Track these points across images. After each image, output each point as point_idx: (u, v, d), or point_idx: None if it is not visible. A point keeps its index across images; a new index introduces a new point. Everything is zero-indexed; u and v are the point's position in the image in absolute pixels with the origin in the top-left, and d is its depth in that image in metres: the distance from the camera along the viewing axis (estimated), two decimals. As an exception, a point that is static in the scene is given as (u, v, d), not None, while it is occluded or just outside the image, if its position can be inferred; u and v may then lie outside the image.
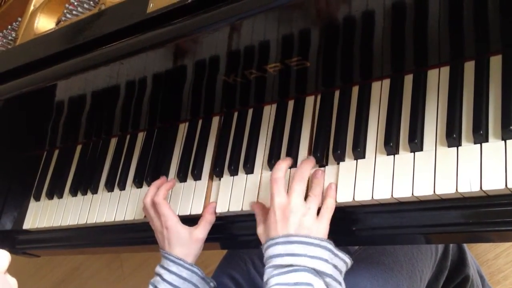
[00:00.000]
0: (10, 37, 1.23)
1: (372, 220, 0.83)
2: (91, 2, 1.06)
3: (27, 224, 1.28)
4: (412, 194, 0.77)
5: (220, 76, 0.96)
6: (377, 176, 0.82)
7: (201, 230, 0.97)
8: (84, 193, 1.21)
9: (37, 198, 1.30)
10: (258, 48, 0.87)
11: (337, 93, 0.93)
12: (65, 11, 1.09)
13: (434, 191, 0.76)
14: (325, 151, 0.90)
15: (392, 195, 0.79)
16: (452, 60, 0.83)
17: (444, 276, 1.07)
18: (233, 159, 0.99)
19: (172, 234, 0.96)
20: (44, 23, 1.13)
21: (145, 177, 1.11)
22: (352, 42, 0.83)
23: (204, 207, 0.99)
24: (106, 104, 1.12)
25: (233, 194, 0.97)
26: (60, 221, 1.21)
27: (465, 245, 1.16)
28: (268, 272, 0.78)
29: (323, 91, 0.95)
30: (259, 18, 0.79)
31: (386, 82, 0.88)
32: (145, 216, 1.04)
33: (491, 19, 0.74)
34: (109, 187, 1.16)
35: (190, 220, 0.98)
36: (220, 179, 1.00)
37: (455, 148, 0.77)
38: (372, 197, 0.81)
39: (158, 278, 0.95)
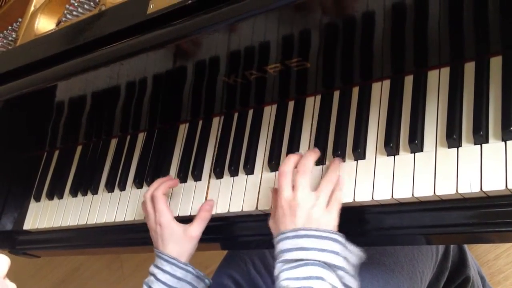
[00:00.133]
0: (10, 38, 1.23)
1: (372, 220, 0.83)
2: (92, 3, 1.06)
3: (27, 225, 1.28)
4: (413, 195, 0.77)
5: (220, 76, 0.96)
6: (377, 177, 0.82)
7: (196, 227, 0.96)
8: (84, 193, 1.21)
9: (37, 199, 1.30)
10: (258, 49, 0.87)
11: (337, 94, 0.93)
12: (65, 11, 1.09)
13: (435, 192, 0.76)
14: (325, 152, 0.90)
15: (392, 196, 0.79)
16: (452, 61, 0.83)
17: (445, 277, 1.07)
18: (233, 160, 0.99)
19: (166, 231, 0.96)
20: (45, 24, 1.13)
21: (145, 177, 1.11)
22: (352, 43, 0.83)
23: (202, 206, 0.99)
24: (106, 105, 1.12)
25: (233, 194, 0.97)
26: (60, 221, 1.21)
27: (466, 246, 1.16)
28: (278, 266, 0.78)
29: (323, 92, 0.95)
30: (259, 19, 0.80)
31: (386, 83, 0.88)
32: (145, 217, 1.04)
33: (491, 20, 0.74)
34: (109, 188, 1.16)
35: (190, 221, 0.98)
36: (220, 180, 1.00)
37: (455, 149, 0.77)
38: (372, 198, 0.81)
39: (152, 278, 0.95)
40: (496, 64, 0.79)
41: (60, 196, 1.25)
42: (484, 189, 0.72)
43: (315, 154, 0.86)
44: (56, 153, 1.34)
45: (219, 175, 1.01)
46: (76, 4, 1.08)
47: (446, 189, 0.75)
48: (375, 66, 0.87)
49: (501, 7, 0.72)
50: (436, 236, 0.81)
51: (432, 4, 0.74)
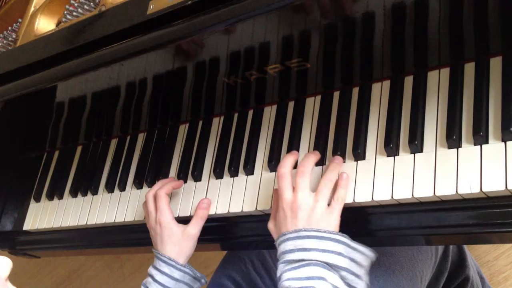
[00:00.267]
0: (10, 38, 1.23)
1: (372, 221, 0.83)
2: (92, 4, 1.06)
3: (27, 225, 1.28)
4: (412, 195, 0.77)
5: (220, 77, 0.96)
6: (377, 178, 0.82)
7: (194, 226, 0.96)
8: (84, 194, 1.21)
9: (37, 199, 1.30)
10: (258, 50, 0.87)
11: (337, 95, 0.93)
12: (65, 12, 1.09)
13: (434, 193, 0.76)
14: (325, 152, 0.90)
15: (392, 197, 0.79)
16: (452, 61, 0.83)
17: (444, 277, 1.07)
18: (233, 160, 0.99)
19: (165, 231, 0.96)
20: (45, 24, 1.13)
21: (145, 178, 1.11)
22: (353, 44, 0.83)
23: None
24: (107, 105, 1.12)
25: (233, 195, 0.97)
26: (60, 222, 1.21)
27: (465, 246, 1.16)
28: (280, 267, 0.78)
29: (323, 92, 0.95)
30: (259, 20, 0.80)
31: (386, 84, 0.88)
32: (145, 217, 1.04)
33: (491, 20, 0.74)
34: (109, 188, 1.16)
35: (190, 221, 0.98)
36: (220, 180, 1.00)
37: (455, 149, 0.77)
38: (372, 198, 0.81)
39: (149, 279, 0.96)
40: (496, 64, 0.79)
41: (60, 197, 1.25)
42: (484, 189, 0.72)
43: (315, 156, 0.86)
44: (56, 153, 1.34)
45: (219, 175, 1.01)
46: (76, 4, 1.08)
47: (446, 189, 0.75)
48: (375, 66, 0.87)
49: (501, 7, 0.72)
50: (436, 237, 0.81)
51: (432, 5, 0.74)
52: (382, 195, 0.80)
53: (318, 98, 0.96)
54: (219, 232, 1.00)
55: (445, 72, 0.83)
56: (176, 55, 0.91)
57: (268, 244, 0.86)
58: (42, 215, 1.26)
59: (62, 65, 0.98)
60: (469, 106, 0.79)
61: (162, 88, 1.02)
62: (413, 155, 0.80)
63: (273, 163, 0.94)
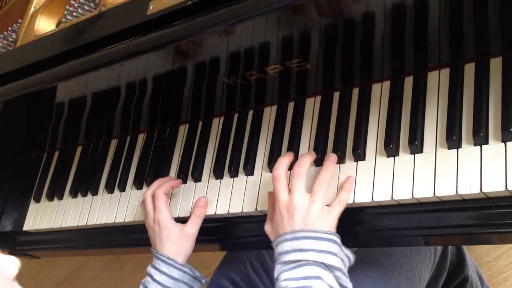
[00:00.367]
0: (10, 39, 1.23)
1: (372, 221, 0.83)
2: (92, 4, 1.06)
3: (27, 226, 1.28)
4: (412, 196, 0.77)
5: (220, 77, 0.96)
6: (377, 178, 0.82)
7: (192, 225, 0.96)
8: (84, 194, 1.21)
9: (37, 200, 1.30)
10: (258, 50, 0.87)
11: (337, 95, 0.93)
12: (65, 12, 1.09)
13: (434, 193, 0.76)
14: (325, 153, 0.90)
15: (392, 197, 0.79)
16: (452, 62, 0.83)
17: (443, 277, 1.07)
18: (233, 161, 0.99)
19: (163, 231, 0.96)
20: (45, 25, 1.13)
21: (145, 178, 1.11)
22: (352, 44, 0.83)
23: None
24: (107, 106, 1.12)
25: (233, 195, 0.97)
26: (60, 222, 1.21)
27: (464, 247, 1.16)
28: (277, 268, 0.79)
29: (323, 92, 0.95)
30: (259, 20, 0.80)
31: (386, 84, 0.88)
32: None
33: (491, 20, 0.74)
34: (109, 189, 1.16)
35: (190, 222, 0.98)
36: (220, 181, 1.00)
37: (455, 150, 0.77)
38: (372, 198, 0.81)
39: (148, 278, 0.96)
40: (496, 65, 0.79)
41: (60, 197, 1.25)
42: (484, 190, 0.72)
43: (310, 156, 0.86)
44: (56, 153, 1.34)
45: (219, 176, 1.01)
46: (76, 5, 1.08)
47: (446, 190, 0.75)
48: (375, 67, 0.87)
49: (501, 7, 0.72)
50: (436, 237, 0.81)
51: (432, 5, 0.74)
52: (382, 196, 0.80)
53: (318, 98, 0.96)
54: (219, 232, 1.00)
55: (445, 72, 0.83)
56: (176, 56, 0.91)
57: (267, 244, 0.86)
58: (42, 216, 1.26)
59: (62, 65, 0.98)
60: (469, 106, 0.79)
61: (162, 88, 1.02)
62: (413, 155, 0.80)
63: (273, 163, 0.93)
